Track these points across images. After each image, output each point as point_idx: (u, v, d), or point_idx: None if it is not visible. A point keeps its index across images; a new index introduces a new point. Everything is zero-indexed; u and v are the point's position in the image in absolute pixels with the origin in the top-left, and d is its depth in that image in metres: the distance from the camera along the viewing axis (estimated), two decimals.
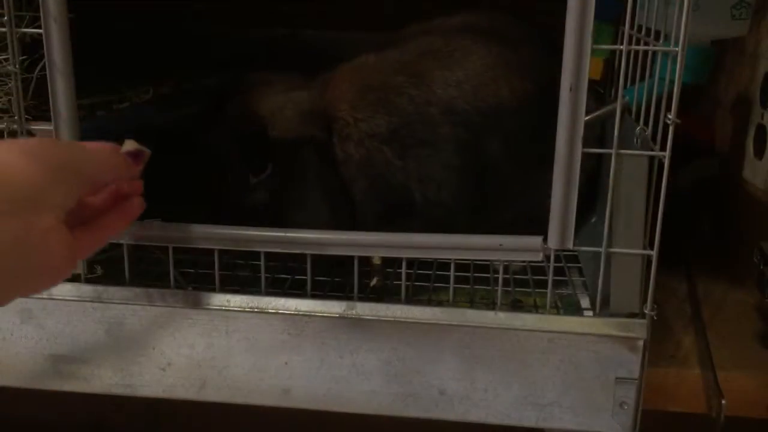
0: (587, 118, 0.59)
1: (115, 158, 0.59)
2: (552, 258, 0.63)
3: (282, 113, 0.76)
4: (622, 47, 0.60)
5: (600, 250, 0.62)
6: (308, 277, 0.66)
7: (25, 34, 0.65)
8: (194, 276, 0.72)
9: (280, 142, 0.75)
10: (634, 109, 0.70)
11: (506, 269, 0.72)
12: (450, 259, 0.66)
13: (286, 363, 0.67)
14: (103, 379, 0.69)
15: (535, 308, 0.71)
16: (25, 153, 0.50)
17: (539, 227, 0.63)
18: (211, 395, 0.69)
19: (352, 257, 0.66)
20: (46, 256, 0.51)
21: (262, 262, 0.66)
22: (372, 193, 0.76)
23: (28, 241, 0.49)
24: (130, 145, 0.63)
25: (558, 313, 0.68)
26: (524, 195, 0.82)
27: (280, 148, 0.75)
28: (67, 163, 0.53)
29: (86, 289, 0.68)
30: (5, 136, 0.67)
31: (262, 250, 0.66)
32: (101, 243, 0.59)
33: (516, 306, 0.72)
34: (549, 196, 0.61)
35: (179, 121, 0.95)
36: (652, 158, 0.62)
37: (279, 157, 0.75)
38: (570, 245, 0.61)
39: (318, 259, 0.67)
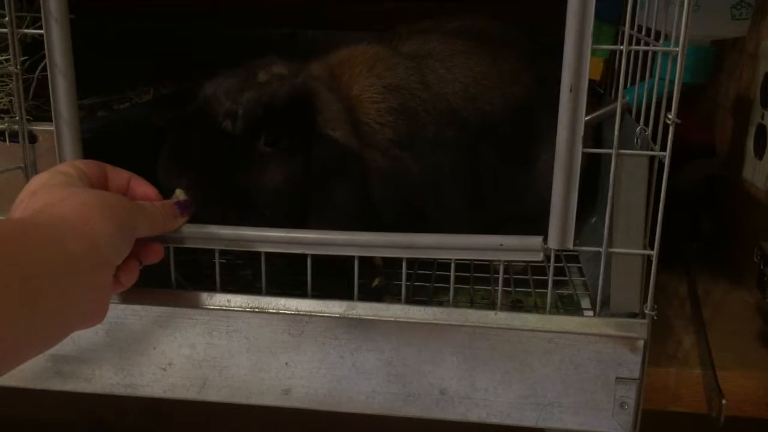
0: (587, 118, 0.59)
1: (165, 213, 0.63)
2: (552, 258, 0.64)
3: (329, 108, 0.72)
4: (622, 47, 0.60)
5: (600, 250, 0.62)
6: (308, 278, 0.66)
7: (26, 34, 0.65)
8: (195, 276, 0.72)
9: (323, 136, 0.70)
10: (634, 109, 0.70)
11: (507, 269, 0.72)
12: (450, 259, 0.66)
13: (286, 363, 0.67)
14: (104, 379, 0.69)
15: (536, 308, 0.71)
16: (103, 207, 0.54)
17: (532, 226, 0.63)
18: (212, 395, 0.69)
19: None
20: (102, 305, 0.55)
21: (262, 262, 0.66)
22: (390, 204, 0.74)
23: (96, 291, 0.54)
24: (180, 195, 0.66)
25: (558, 313, 0.68)
26: (516, 195, 0.83)
27: (321, 141, 0.70)
28: (129, 221, 0.57)
29: None
30: (6, 136, 0.67)
31: (263, 250, 0.66)
32: (124, 287, 0.62)
33: (516, 306, 0.73)
34: (539, 195, 0.61)
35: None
36: (652, 158, 0.62)
37: (315, 149, 0.70)
38: (570, 245, 0.61)
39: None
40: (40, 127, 0.67)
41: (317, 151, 0.70)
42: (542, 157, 0.82)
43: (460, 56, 0.82)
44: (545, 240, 0.62)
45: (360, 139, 0.73)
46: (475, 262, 0.79)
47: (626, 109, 0.71)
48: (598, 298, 0.65)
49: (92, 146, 0.67)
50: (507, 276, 0.75)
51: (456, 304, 0.67)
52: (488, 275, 0.78)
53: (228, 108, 0.69)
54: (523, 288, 0.76)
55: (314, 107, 0.71)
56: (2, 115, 0.68)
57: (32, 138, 0.67)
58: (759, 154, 0.90)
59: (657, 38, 0.67)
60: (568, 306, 0.73)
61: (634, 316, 0.63)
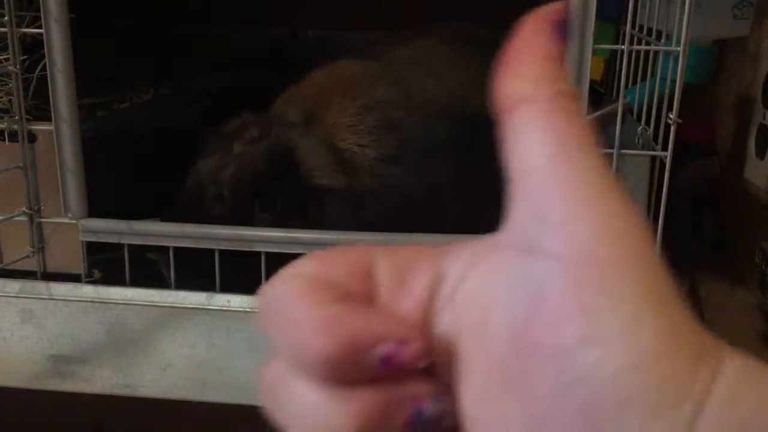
0: (588, 118, 0.58)
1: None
2: None
3: (310, 156, 0.72)
4: (623, 47, 0.60)
5: None
6: None
7: (25, 34, 0.65)
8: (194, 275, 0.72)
9: (312, 187, 0.71)
10: (635, 109, 0.70)
11: None
12: None
13: None
14: (104, 380, 0.69)
15: None
16: None
17: None
18: (213, 396, 0.69)
19: None
20: None
21: (262, 262, 0.66)
22: (389, 221, 0.74)
23: None
24: None
25: None
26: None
27: (312, 193, 0.71)
28: None
29: (87, 290, 0.68)
30: (6, 135, 0.67)
31: (263, 250, 0.66)
32: None
33: None
34: None
35: (179, 122, 0.95)
36: (653, 158, 0.61)
37: (310, 204, 0.71)
38: None
39: None
40: (39, 127, 0.67)
41: (312, 205, 0.71)
42: None
43: (445, 60, 0.82)
44: None
45: (346, 170, 0.73)
46: None
47: (627, 109, 0.71)
48: None
49: (92, 146, 0.67)
50: None
51: None
52: None
53: (214, 192, 0.70)
54: None
55: (295, 161, 0.71)
56: (2, 115, 0.68)
57: (32, 137, 0.67)
58: (760, 154, 0.90)
59: (658, 38, 0.67)
60: None
61: None
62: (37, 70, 0.66)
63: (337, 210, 0.71)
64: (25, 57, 0.66)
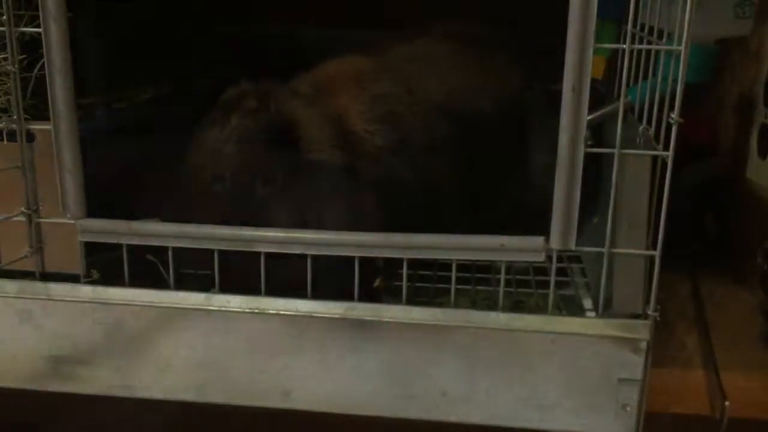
0: (590, 117, 0.58)
1: None
2: (554, 258, 0.63)
3: (310, 129, 0.72)
4: (624, 46, 0.60)
5: (603, 250, 0.62)
6: (308, 278, 0.66)
7: (24, 33, 0.64)
8: (194, 276, 0.71)
9: (309, 162, 0.71)
10: (636, 108, 0.70)
11: (508, 270, 0.72)
12: (451, 260, 0.65)
13: (286, 364, 0.67)
14: (102, 381, 0.69)
15: (538, 309, 0.71)
16: None
17: (525, 225, 0.63)
18: (211, 397, 0.68)
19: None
20: None
21: (262, 262, 0.66)
22: (388, 213, 0.74)
23: None
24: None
25: (560, 314, 0.67)
26: (511, 194, 0.83)
27: (310, 168, 0.72)
28: None
29: (85, 290, 0.67)
30: (4, 135, 0.67)
31: (262, 250, 0.65)
32: None
33: (518, 307, 0.72)
34: (534, 194, 0.61)
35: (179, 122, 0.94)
36: (655, 158, 0.61)
37: (303, 177, 0.72)
38: (572, 245, 0.61)
39: None
40: (37, 126, 0.66)
41: (310, 179, 0.71)
42: (535, 156, 0.82)
43: (446, 59, 0.83)
44: (547, 240, 0.61)
45: (350, 150, 0.74)
46: (477, 262, 0.79)
47: (628, 108, 0.71)
48: (601, 299, 0.65)
49: (91, 145, 0.67)
50: (509, 277, 0.75)
51: (457, 305, 0.66)
52: (490, 276, 0.78)
53: (214, 172, 0.70)
54: (524, 289, 0.76)
55: (295, 134, 0.71)
56: (0, 114, 0.68)
57: (30, 137, 0.67)
58: (762, 154, 0.89)
59: (660, 37, 0.66)
60: (570, 307, 0.73)
61: (636, 317, 0.63)
62: (36, 70, 0.66)
63: (329, 189, 0.71)
64: (24, 56, 0.66)
